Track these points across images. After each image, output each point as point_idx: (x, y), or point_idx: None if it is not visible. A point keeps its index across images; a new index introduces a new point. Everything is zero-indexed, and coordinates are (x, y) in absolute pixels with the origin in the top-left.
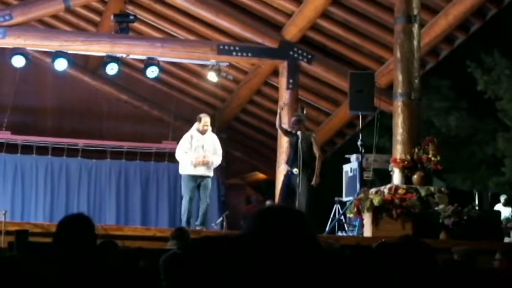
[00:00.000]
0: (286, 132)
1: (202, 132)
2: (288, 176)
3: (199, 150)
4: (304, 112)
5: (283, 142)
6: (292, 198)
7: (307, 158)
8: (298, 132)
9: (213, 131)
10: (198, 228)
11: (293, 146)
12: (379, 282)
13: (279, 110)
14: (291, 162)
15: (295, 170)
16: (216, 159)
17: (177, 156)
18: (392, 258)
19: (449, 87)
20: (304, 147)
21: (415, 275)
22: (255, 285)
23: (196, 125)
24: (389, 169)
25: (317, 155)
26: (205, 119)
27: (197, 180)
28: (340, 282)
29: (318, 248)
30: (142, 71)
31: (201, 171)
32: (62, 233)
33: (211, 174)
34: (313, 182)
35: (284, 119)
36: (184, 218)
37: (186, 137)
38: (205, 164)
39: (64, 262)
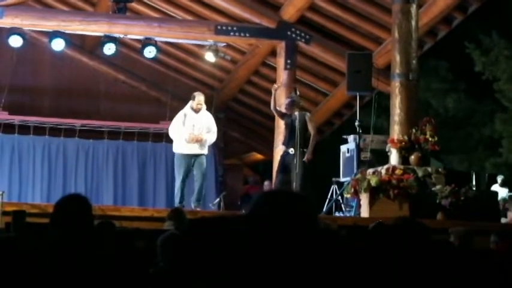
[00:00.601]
0: (281, 115)
1: (196, 110)
2: (284, 156)
3: (193, 129)
4: (297, 93)
5: (281, 123)
6: (288, 178)
7: (303, 138)
8: (295, 113)
9: (210, 111)
10: (193, 205)
11: (289, 127)
12: (377, 263)
13: (273, 92)
14: (287, 142)
15: (291, 150)
16: (210, 136)
17: (170, 133)
18: (389, 239)
19: (447, 69)
20: (300, 128)
21: (411, 255)
22: (253, 268)
23: (190, 103)
24: (387, 150)
25: (312, 133)
26: (199, 97)
27: (191, 159)
28: (337, 264)
29: (317, 231)
30: (140, 51)
31: (195, 149)
32: (59, 214)
33: (205, 152)
34: (304, 158)
35: (281, 100)
36: (176, 200)
37: (179, 115)
38: (199, 141)
39: (61, 242)
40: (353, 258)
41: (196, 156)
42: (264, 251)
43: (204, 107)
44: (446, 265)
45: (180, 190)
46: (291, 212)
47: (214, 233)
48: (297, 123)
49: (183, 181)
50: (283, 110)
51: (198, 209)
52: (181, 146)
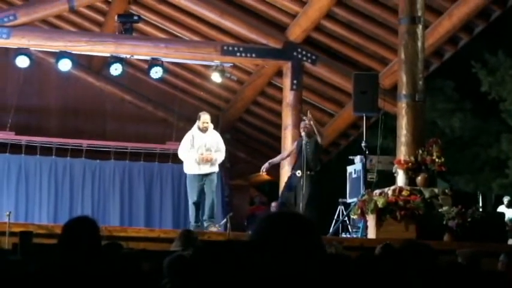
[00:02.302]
0: (296, 148)
1: (203, 130)
2: (291, 177)
3: (201, 149)
4: (309, 116)
5: (287, 144)
6: (292, 197)
7: (311, 161)
8: (303, 135)
9: (217, 131)
10: (205, 224)
11: (298, 150)
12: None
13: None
14: (295, 165)
15: (298, 172)
16: (220, 155)
17: (180, 155)
18: (396, 262)
19: (453, 88)
20: (309, 151)
21: (419, 279)
22: None
23: (196, 124)
24: (393, 171)
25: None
26: (205, 117)
27: (202, 179)
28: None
29: (323, 254)
30: (146, 72)
31: (205, 169)
32: (67, 236)
33: (216, 170)
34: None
35: (287, 120)
36: (192, 220)
37: (187, 136)
38: (209, 161)
39: (69, 265)
40: (361, 282)
41: (207, 175)
42: (268, 275)
43: (211, 126)
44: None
45: (195, 211)
46: (292, 235)
47: (221, 256)
48: (304, 145)
49: (196, 203)
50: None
51: (211, 228)
52: (192, 167)
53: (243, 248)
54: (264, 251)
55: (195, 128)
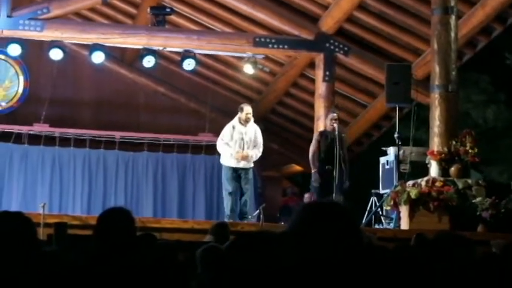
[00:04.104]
0: (320, 139)
1: (245, 121)
2: (324, 171)
3: (240, 143)
4: (337, 111)
5: None
6: (329, 193)
7: (344, 153)
8: (334, 126)
9: None
10: (239, 218)
11: (325, 144)
12: (421, 278)
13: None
14: (325, 159)
15: (330, 166)
16: (256, 152)
17: (218, 147)
18: (433, 253)
19: (487, 80)
20: (337, 143)
21: (454, 269)
22: (299, 284)
23: (238, 115)
24: (427, 162)
25: (346, 158)
26: (247, 108)
27: (237, 171)
28: (383, 278)
29: (362, 244)
30: (179, 64)
31: (242, 163)
32: (102, 227)
33: (252, 165)
34: (345, 186)
35: (319, 112)
36: (227, 211)
37: (227, 128)
38: (245, 159)
39: (105, 255)
40: (398, 272)
41: (243, 169)
42: (309, 266)
43: (252, 119)
44: (492, 278)
45: (230, 201)
46: (335, 224)
47: (257, 247)
48: (336, 141)
49: (231, 193)
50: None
51: (244, 221)
52: (228, 159)
53: (280, 238)
54: (303, 240)
55: (235, 119)
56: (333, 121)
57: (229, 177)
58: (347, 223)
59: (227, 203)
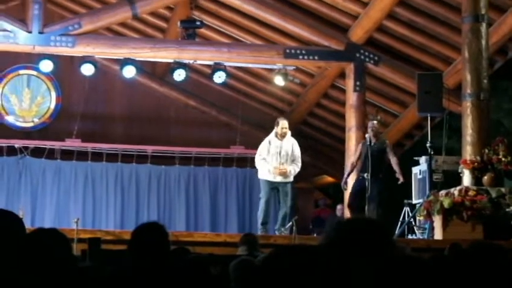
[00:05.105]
0: (358, 149)
1: (282, 135)
2: (359, 180)
3: (276, 157)
4: (378, 118)
5: (351, 145)
6: (363, 203)
7: (378, 163)
8: (369, 135)
9: None
10: (277, 232)
11: (365, 152)
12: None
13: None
14: (361, 168)
15: (366, 175)
16: (295, 168)
17: (256, 163)
18: (467, 264)
19: None
20: (376, 155)
21: (491, 280)
22: None
23: (274, 130)
24: (459, 171)
25: (395, 160)
26: (283, 122)
27: (275, 186)
28: None
29: (395, 257)
30: (210, 76)
31: (279, 178)
32: (136, 242)
33: (290, 179)
34: (400, 181)
35: (351, 122)
36: (260, 220)
37: (264, 143)
38: (283, 174)
39: (140, 270)
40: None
41: (280, 183)
42: (345, 281)
43: (289, 132)
44: None
45: (264, 211)
46: (369, 240)
47: (292, 261)
48: (374, 150)
49: (267, 202)
50: (358, 150)
51: (276, 233)
52: (266, 174)
53: (315, 253)
54: (337, 256)
55: (272, 134)
56: (368, 129)
57: (267, 189)
58: (382, 239)
59: (261, 211)
